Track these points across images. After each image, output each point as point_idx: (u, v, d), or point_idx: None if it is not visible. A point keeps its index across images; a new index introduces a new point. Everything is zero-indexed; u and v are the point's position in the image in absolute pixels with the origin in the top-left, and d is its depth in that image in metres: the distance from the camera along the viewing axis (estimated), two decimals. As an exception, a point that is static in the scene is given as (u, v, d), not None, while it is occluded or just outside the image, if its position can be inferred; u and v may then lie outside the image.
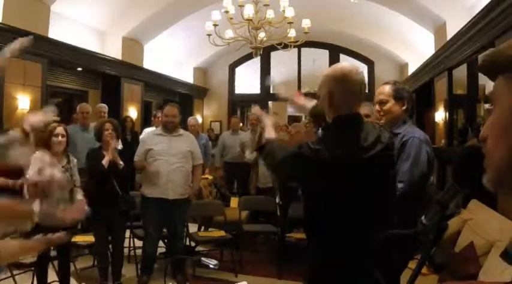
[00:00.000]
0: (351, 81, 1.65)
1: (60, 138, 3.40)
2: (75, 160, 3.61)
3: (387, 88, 2.36)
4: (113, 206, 3.72)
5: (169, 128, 3.99)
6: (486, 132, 0.64)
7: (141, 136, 5.76)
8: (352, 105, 1.67)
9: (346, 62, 1.82)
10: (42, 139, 3.45)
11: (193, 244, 4.50)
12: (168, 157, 3.91)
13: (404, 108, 2.34)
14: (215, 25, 5.39)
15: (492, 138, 0.62)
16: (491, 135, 0.62)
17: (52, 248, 3.46)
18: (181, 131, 4.12)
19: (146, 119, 8.73)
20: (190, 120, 6.51)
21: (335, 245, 1.64)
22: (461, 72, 6.55)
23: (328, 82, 1.68)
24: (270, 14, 5.33)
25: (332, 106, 1.66)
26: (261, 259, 4.89)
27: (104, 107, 5.90)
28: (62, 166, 3.43)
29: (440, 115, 7.24)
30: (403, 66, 10.67)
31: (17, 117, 5.56)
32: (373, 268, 1.61)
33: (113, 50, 7.79)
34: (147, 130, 5.93)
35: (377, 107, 2.37)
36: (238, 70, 12.09)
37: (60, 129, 3.42)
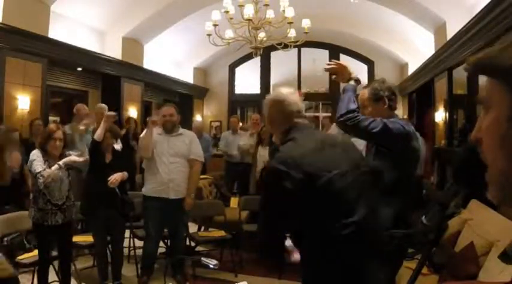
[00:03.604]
0: (289, 101, 1.83)
1: (57, 142, 3.39)
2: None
3: (365, 93, 2.45)
4: (111, 206, 3.72)
5: (168, 128, 3.99)
6: (479, 134, 0.62)
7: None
8: (290, 120, 1.82)
9: (285, 88, 1.97)
10: (41, 140, 3.46)
11: (193, 244, 4.50)
12: (167, 157, 3.91)
13: (385, 106, 2.37)
14: (215, 25, 5.38)
15: (489, 144, 0.60)
16: (488, 141, 0.60)
17: (54, 248, 3.47)
18: (182, 130, 4.10)
19: (146, 119, 8.72)
20: (196, 122, 6.59)
21: (335, 248, 1.64)
22: (461, 72, 6.54)
23: (268, 105, 1.88)
24: (270, 14, 5.32)
25: (274, 125, 1.86)
26: (261, 259, 4.89)
27: (104, 108, 5.87)
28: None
29: (440, 115, 7.24)
30: (403, 66, 10.67)
31: (17, 117, 5.57)
32: (376, 269, 1.62)
33: (113, 50, 7.79)
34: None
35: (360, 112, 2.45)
36: (238, 70, 12.09)
37: (59, 133, 3.41)
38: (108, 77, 7.82)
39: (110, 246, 3.94)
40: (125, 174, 3.82)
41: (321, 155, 1.66)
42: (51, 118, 7.30)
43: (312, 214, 1.63)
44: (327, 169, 1.61)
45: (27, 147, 4.76)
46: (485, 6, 4.65)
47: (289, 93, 1.88)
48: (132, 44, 8.29)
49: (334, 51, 11.38)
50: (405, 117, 10.66)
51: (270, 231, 1.73)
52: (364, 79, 11.84)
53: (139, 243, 4.29)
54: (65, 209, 3.40)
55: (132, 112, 8.31)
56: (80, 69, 7.29)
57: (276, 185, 1.64)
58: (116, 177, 3.69)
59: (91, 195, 3.79)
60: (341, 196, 1.62)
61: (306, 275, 1.72)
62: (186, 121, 6.42)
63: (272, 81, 12.12)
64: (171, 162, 3.91)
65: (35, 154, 3.38)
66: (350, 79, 2.38)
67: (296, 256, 1.73)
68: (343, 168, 1.65)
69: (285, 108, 1.81)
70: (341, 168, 1.64)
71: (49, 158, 3.38)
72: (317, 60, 11.58)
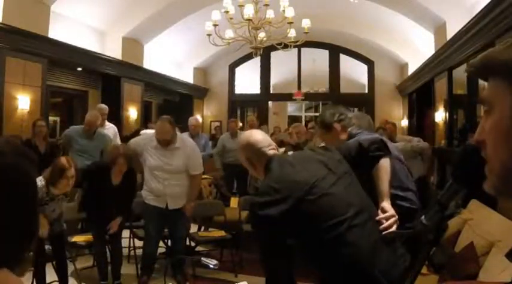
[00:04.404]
0: (258, 141, 1.93)
1: (70, 180, 3.21)
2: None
3: (317, 130, 2.51)
4: (107, 215, 3.71)
5: (163, 144, 3.76)
6: (482, 136, 0.61)
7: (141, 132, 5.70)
8: (267, 155, 1.89)
9: (249, 131, 2.14)
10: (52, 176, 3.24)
11: (193, 244, 4.50)
12: (162, 173, 3.76)
13: (339, 129, 2.41)
14: (215, 25, 5.39)
15: (493, 142, 0.59)
16: (492, 140, 0.59)
17: (48, 247, 3.46)
18: (179, 142, 3.84)
19: (146, 119, 8.73)
20: (191, 120, 6.46)
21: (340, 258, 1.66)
22: (461, 72, 6.55)
23: (244, 153, 1.96)
24: (270, 14, 5.32)
25: (257, 167, 1.93)
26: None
27: (105, 109, 5.82)
28: (63, 193, 3.34)
29: (440, 115, 7.24)
30: (403, 66, 10.67)
31: (17, 117, 5.57)
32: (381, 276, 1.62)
33: (113, 50, 7.79)
34: (147, 132, 5.85)
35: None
36: (238, 70, 12.10)
37: (71, 172, 3.21)
38: (108, 77, 7.82)
39: (109, 246, 3.94)
40: (119, 219, 3.76)
41: (295, 171, 1.75)
42: (51, 118, 7.31)
43: (306, 225, 1.68)
44: (305, 180, 1.70)
45: (29, 149, 4.75)
46: (485, 6, 4.65)
47: (251, 134, 2.00)
48: (132, 44, 8.29)
49: (334, 51, 11.38)
50: (404, 117, 10.64)
51: (280, 269, 1.76)
52: (364, 79, 11.88)
53: (139, 243, 4.28)
54: (52, 223, 3.34)
55: (132, 112, 8.31)
56: (80, 69, 7.30)
57: (262, 219, 1.70)
58: (114, 228, 3.70)
59: (89, 201, 3.78)
60: (327, 198, 1.68)
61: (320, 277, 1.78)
62: (186, 122, 6.39)
63: (272, 81, 12.14)
64: (166, 178, 3.76)
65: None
66: None
67: None
68: (321, 173, 1.74)
69: (255, 148, 1.91)
70: (319, 175, 1.73)
71: (53, 191, 3.23)
72: (317, 60, 11.59)
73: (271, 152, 1.91)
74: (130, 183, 3.82)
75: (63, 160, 3.28)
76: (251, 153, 1.93)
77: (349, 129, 2.45)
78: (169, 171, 3.77)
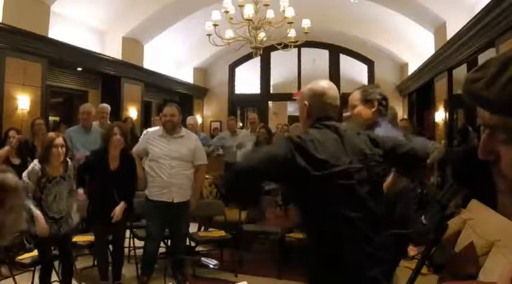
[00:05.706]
0: (329, 95, 1.83)
1: (59, 149, 3.27)
2: (71, 166, 3.53)
3: (356, 94, 2.45)
4: (111, 206, 3.70)
5: (168, 129, 3.89)
6: (492, 157, 0.59)
7: (144, 132, 5.72)
8: (327, 113, 1.82)
9: (325, 80, 1.96)
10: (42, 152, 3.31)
11: (193, 244, 4.51)
12: (169, 161, 3.81)
13: (374, 109, 2.37)
14: (215, 25, 5.39)
15: None
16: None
17: (54, 248, 3.46)
18: (183, 131, 4.01)
19: (146, 119, 8.73)
20: (189, 119, 6.48)
21: (337, 247, 1.65)
22: (461, 72, 6.55)
23: (308, 95, 1.86)
24: (270, 14, 5.33)
25: (310, 116, 1.84)
26: (261, 259, 4.89)
27: (107, 108, 5.81)
28: (61, 176, 3.36)
29: (440, 115, 7.24)
30: (403, 66, 10.66)
31: (17, 117, 5.57)
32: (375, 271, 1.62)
33: (113, 50, 7.79)
34: (149, 130, 5.87)
35: (349, 112, 2.47)
36: (238, 70, 12.09)
37: (59, 140, 3.29)
38: (108, 77, 7.82)
39: (110, 246, 3.93)
40: (123, 204, 3.73)
41: (340, 147, 1.70)
42: (51, 118, 7.30)
43: (318, 201, 1.65)
44: (343, 162, 1.65)
45: (28, 148, 4.75)
46: (485, 6, 4.65)
47: (330, 86, 1.89)
48: (132, 44, 8.29)
49: (334, 51, 11.38)
50: (405, 117, 10.65)
51: (252, 173, 1.65)
52: (364, 79, 11.88)
53: (139, 243, 4.29)
54: (61, 223, 3.35)
55: (132, 112, 8.31)
56: (80, 69, 7.29)
57: (290, 149, 1.62)
58: (118, 214, 3.67)
59: (92, 195, 3.78)
60: (350, 190, 1.64)
61: (310, 274, 1.75)
62: (186, 121, 6.40)
63: (272, 81, 12.13)
64: (173, 166, 3.81)
65: (33, 172, 3.23)
66: None
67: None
68: (358, 165, 1.69)
69: (325, 99, 1.83)
70: (356, 166, 1.68)
71: (49, 172, 3.28)
72: (317, 60, 11.59)
73: (332, 114, 1.84)
74: (129, 166, 3.83)
75: (50, 133, 3.43)
76: (316, 102, 1.84)
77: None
78: (176, 157, 3.84)
